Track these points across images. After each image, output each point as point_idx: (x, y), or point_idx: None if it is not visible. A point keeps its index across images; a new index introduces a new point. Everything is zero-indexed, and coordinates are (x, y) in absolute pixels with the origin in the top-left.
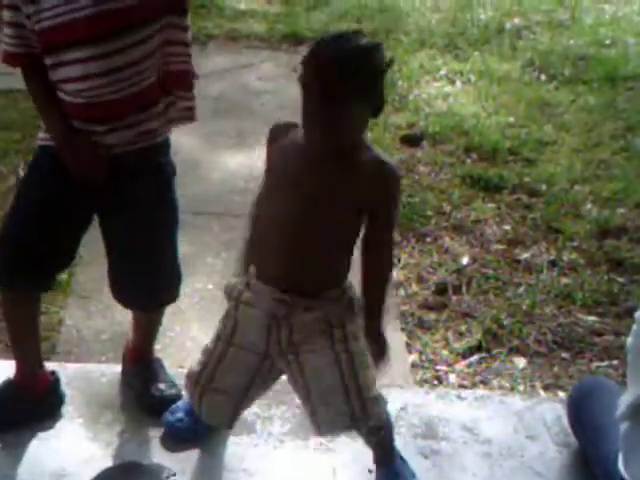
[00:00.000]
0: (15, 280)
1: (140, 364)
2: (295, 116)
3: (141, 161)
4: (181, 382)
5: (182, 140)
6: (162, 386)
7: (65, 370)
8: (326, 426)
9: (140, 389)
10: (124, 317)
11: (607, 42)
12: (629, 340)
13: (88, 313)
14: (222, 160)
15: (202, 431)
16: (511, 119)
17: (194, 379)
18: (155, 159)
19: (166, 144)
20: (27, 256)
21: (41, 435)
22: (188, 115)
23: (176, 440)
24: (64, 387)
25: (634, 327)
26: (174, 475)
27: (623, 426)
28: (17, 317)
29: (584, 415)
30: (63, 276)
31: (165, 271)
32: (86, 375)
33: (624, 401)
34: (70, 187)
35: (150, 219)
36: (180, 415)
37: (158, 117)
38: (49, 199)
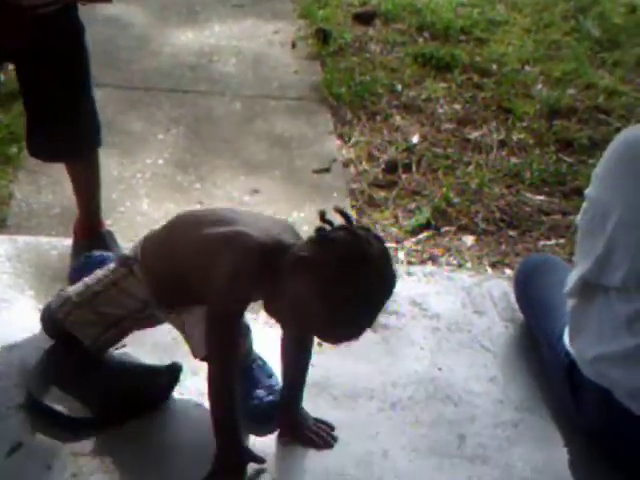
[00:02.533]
0: None
1: (90, 236)
2: None
3: (54, 19)
4: None
5: (134, 15)
6: None
7: (15, 243)
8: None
9: None
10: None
11: None
12: (578, 217)
13: (38, 187)
14: (173, 35)
15: None
16: None
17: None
18: (68, 17)
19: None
20: None
21: None
22: None
23: None
24: (14, 260)
25: (584, 204)
26: (123, 346)
27: (570, 302)
28: None
29: (531, 290)
30: (13, 149)
31: (81, 118)
32: (36, 248)
33: (573, 277)
34: None
35: (62, 67)
36: None
37: None
38: None
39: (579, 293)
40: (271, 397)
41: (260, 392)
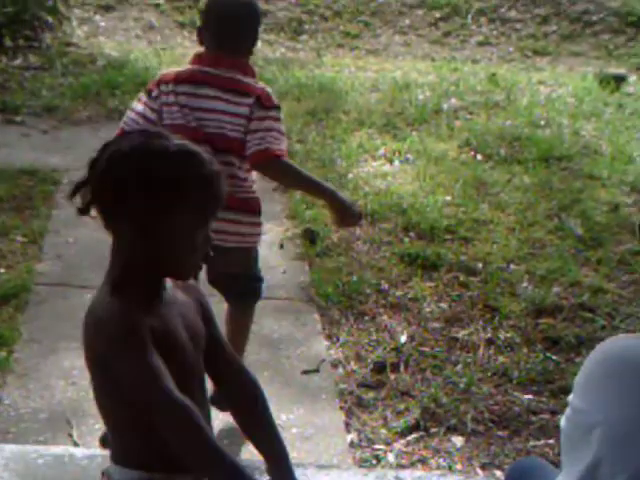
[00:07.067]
0: None
1: None
2: None
3: None
4: None
5: None
6: None
7: (2, 452)
8: None
9: None
10: (62, 396)
11: (542, 123)
12: (562, 422)
13: (27, 392)
14: None
15: None
16: (448, 198)
17: None
18: None
19: None
20: None
21: None
22: None
23: None
24: (0, 470)
25: (567, 411)
26: None
27: None
28: None
29: None
30: (2, 353)
31: None
32: (23, 457)
33: None
34: None
35: None
36: None
37: None
38: None
39: None
40: None
41: None
